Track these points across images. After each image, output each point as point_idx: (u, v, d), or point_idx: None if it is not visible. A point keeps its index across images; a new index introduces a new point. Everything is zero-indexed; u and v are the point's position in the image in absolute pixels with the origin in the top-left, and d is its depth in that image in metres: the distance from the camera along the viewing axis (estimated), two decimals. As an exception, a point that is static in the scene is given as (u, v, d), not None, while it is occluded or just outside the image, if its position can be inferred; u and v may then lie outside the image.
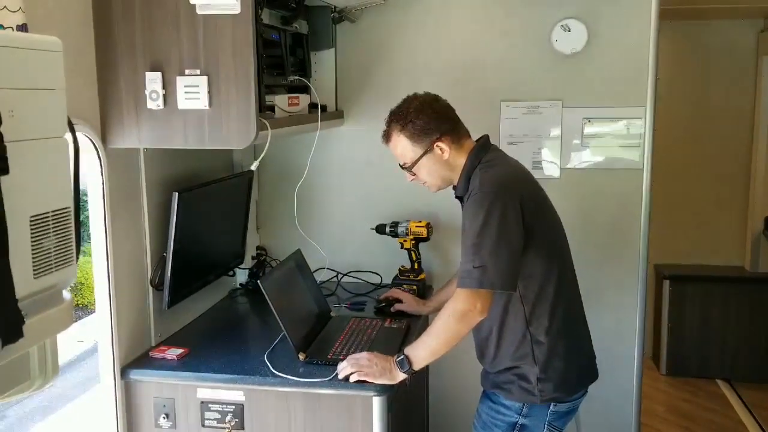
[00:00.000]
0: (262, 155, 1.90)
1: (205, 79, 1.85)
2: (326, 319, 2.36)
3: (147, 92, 1.88)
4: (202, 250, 2.33)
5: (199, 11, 1.83)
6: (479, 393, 2.10)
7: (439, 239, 2.77)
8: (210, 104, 1.86)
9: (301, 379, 1.94)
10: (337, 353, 2.07)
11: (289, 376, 1.94)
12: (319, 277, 2.79)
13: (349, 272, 2.83)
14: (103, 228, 1.95)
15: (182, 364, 2.06)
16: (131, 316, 2.08)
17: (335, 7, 2.67)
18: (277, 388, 1.96)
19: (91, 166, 1.93)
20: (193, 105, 1.86)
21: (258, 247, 2.88)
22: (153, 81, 1.87)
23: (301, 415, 1.96)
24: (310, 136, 2.52)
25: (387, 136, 2.02)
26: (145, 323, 2.16)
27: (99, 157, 1.92)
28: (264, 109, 2.14)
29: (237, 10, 1.81)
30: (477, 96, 2.70)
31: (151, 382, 2.03)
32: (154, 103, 1.88)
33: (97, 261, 1.97)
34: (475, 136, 2.05)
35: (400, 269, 2.68)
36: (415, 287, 2.62)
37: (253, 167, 1.92)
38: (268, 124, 1.92)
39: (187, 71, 1.86)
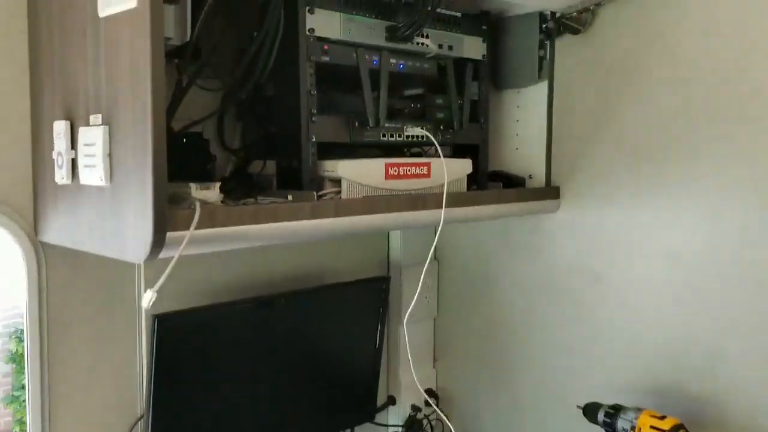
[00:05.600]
0: (161, 281, 0.96)
1: (102, 131, 1.02)
2: None
3: (54, 156, 1.14)
4: (243, 403, 1.45)
5: (100, 13, 1.03)
6: None
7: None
8: (111, 178, 1.03)
9: None
10: None
11: None
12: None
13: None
14: (38, 366, 1.27)
15: None
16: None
17: (550, 13, 1.55)
18: None
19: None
20: (91, 178, 1.06)
21: (428, 391, 1.86)
22: (59, 136, 1.12)
23: None
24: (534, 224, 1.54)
25: None
26: None
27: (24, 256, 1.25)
28: (306, 185, 1.23)
29: (133, 4, 0.95)
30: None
31: None
32: (59, 174, 1.13)
33: (32, 407, 1.30)
34: None
35: (616, 498, 1.36)
36: None
37: (145, 304, 0.98)
38: (196, 216, 0.98)
39: (91, 118, 1.06)
